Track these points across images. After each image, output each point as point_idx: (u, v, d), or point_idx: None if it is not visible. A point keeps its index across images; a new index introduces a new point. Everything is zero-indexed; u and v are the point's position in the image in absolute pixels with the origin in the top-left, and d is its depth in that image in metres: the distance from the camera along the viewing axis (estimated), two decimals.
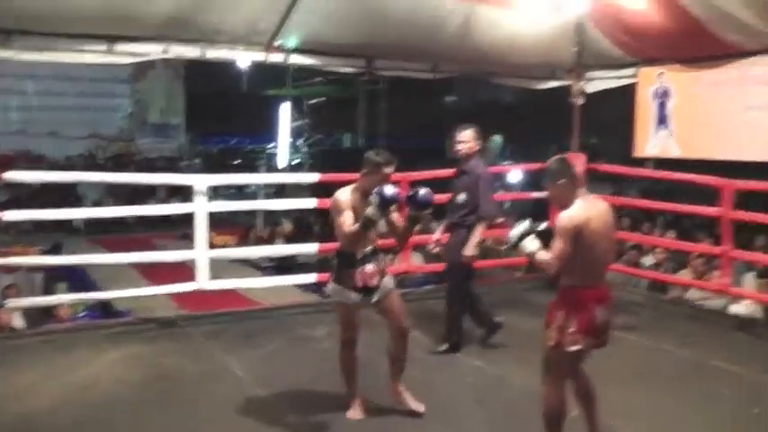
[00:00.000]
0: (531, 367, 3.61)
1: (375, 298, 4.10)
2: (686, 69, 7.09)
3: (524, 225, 3.55)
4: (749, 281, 7.28)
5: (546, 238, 3.50)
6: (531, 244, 3.50)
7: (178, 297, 6.84)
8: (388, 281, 4.19)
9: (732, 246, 6.48)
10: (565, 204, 3.48)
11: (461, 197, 5.46)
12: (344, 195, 4.03)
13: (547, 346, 3.50)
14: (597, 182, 8.55)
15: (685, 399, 4.64)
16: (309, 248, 7.24)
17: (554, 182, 3.54)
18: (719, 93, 6.79)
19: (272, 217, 13.06)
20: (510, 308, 6.80)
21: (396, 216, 4.17)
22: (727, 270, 6.53)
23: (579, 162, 7.51)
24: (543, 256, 3.46)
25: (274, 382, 4.74)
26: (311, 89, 15.60)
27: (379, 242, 4.20)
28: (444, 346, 5.47)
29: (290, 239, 11.25)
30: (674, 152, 7.34)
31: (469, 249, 5.36)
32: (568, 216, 3.40)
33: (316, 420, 4.17)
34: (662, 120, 7.40)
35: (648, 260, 8.63)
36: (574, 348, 3.42)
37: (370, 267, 4.05)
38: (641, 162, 8.85)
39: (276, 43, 6.66)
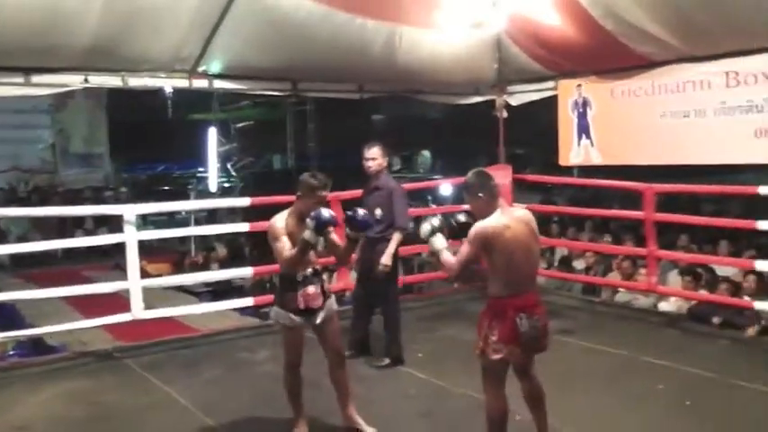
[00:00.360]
0: (474, 377, 3.69)
1: (318, 319, 4.09)
2: (602, 81, 7.38)
3: (435, 221, 3.63)
4: (674, 278, 7.58)
5: (466, 230, 3.55)
6: (439, 242, 3.59)
7: (113, 329, 6.67)
8: (331, 303, 4.19)
9: (656, 246, 6.77)
10: (484, 216, 3.54)
11: (378, 212, 5.57)
12: (280, 221, 4.02)
13: (475, 355, 3.60)
14: (526, 191, 8.81)
15: (622, 396, 4.82)
16: (244, 272, 7.20)
17: (473, 195, 3.61)
18: (634, 102, 7.10)
19: (206, 242, 12.89)
20: (450, 319, 6.94)
21: (334, 237, 4.15)
22: (653, 269, 6.81)
23: (506, 173, 7.73)
24: (446, 256, 3.56)
25: (219, 409, 4.69)
26: (238, 113, 15.54)
27: (319, 262, 4.21)
28: (386, 361, 5.54)
29: (224, 264, 11.11)
30: (596, 160, 7.61)
31: (387, 259, 5.48)
32: (482, 226, 3.48)
33: None
34: (583, 129, 7.66)
35: (580, 264, 8.89)
36: (496, 357, 3.51)
37: (311, 289, 4.04)
38: (568, 171, 9.14)
39: (200, 69, 6.66)
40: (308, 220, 3.85)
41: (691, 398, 4.68)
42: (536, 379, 3.72)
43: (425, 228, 3.63)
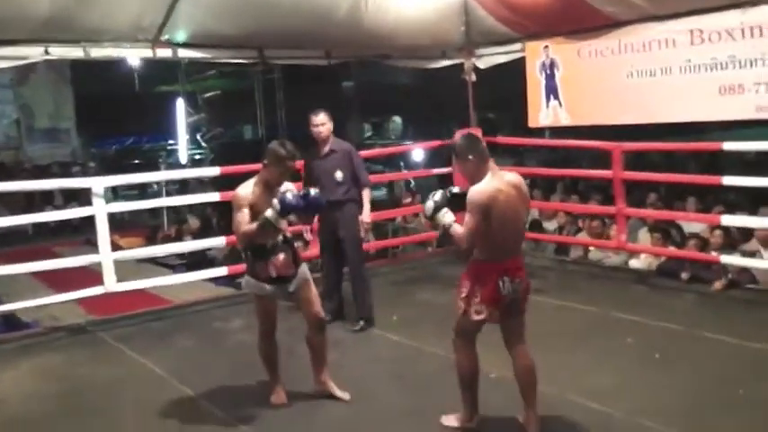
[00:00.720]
0: (447, 339, 3.73)
1: (291, 288, 4.08)
2: (569, 41, 7.38)
3: (438, 196, 3.60)
4: (644, 236, 7.69)
5: (461, 201, 3.55)
6: (446, 217, 3.57)
7: (86, 303, 6.61)
8: (304, 270, 4.16)
9: (625, 204, 6.85)
10: (475, 179, 3.52)
11: (339, 174, 5.62)
12: (245, 190, 3.93)
13: (456, 314, 3.63)
14: (498, 155, 8.84)
15: (594, 350, 4.92)
16: (217, 242, 7.17)
17: (463, 159, 3.57)
18: (601, 62, 7.11)
19: (178, 216, 12.79)
20: (424, 283, 7.01)
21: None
22: (622, 227, 6.90)
23: (482, 140, 7.74)
24: (456, 229, 3.53)
25: (195, 378, 4.69)
26: (205, 83, 15.34)
27: (289, 230, 4.18)
28: (361, 323, 5.60)
29: (197, 236, 11.04)
30: (565, 121, 7.65)
31: (367, 216, 5.70)
32: (478, 191, 3.45)
33: (243, 411, 4.17)
34: (551, 90, 7.68)
35: (551, 225, 8.98)
36: (478, 318, 3.55)
37: (282, 257, 4.00)
38: (540, 134, 9.18)
39: (163, 38, 6.55)
40: (274, 200, 3.80)
41: (659, 350, 4.79)
42: (526, 356, 3.68)
43: (429, 205, 3.60)
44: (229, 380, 4.66)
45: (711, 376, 4.37)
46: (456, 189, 3.66)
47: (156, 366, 5.00)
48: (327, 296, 5.66)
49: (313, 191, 4.02)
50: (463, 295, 3.59)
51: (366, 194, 5.77)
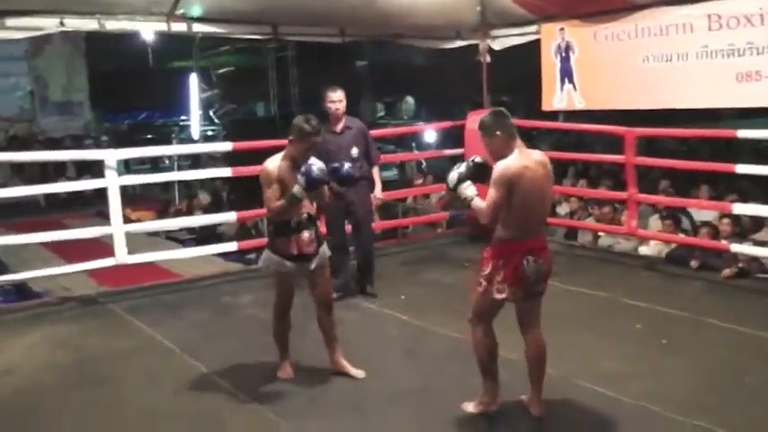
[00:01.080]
0: (455, 318, 3.75)
1: (312, 266, 4.07)
2: (585, 24, 7.31)
3: (462, 169, 3.58)
4: (654, 223, 7.67)
5: (483, 171, 3.54)
6: (469, 190, 3.54)
7: (97, 274, 6.68)
8: (324, 249, 4.17)
9: (637, 190, 6.82)
10: (501, 156, 3.48)
11: (355, 151, 5.71)
12: (272, 164, 3.94)
13: (477, 292, 3.60)
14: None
15: (602, 334, 4.93)
16: (228, 217, 7.19)
17: (490, 135, 3.52)
18: (617, 46, 7.04)
19: (189, 191, 12.85)
20: (433, 263, 7.03)
21: (324, 188, 4.10)
22: (633, 213, 6.88)
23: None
24: (478, 203, 3.51)
25: (204, 351, 4.74)
26: (219, 59, 15.33)
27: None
28: (372, 289, 5.92)
29: (207, 211, 11.10)
30: (579, 104, 7.59)
31: (380, 192, 5.96)
32: (504, 165, 3.42)
33: (251, 385, 4.19)
34: (566, 74, 7.62)
35: (563, 209, 8.96)
36: (499, 297, 3.52)
37: (306, 235, 3.99)
38: (554, 118, 9.13)
39: (178, 12, 6.54)
40: (298, 175, 3.81)
41: (667, 336, 4.79)
42: (539, 341, 3.67)
43: (453, 176, 3.57)
44: (238, 354, 4.69)
45: (718, 363, 4.37)
46: (479, 159, 3.63)
47: (165, 339, 5.05)
48: (335, 272, 5.67)
49: (346, 164, 4.08)
50: (485, 273, 3.55)
51: (377, 171, 5.99)
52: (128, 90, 18.14)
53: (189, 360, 4.63)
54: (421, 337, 5.01)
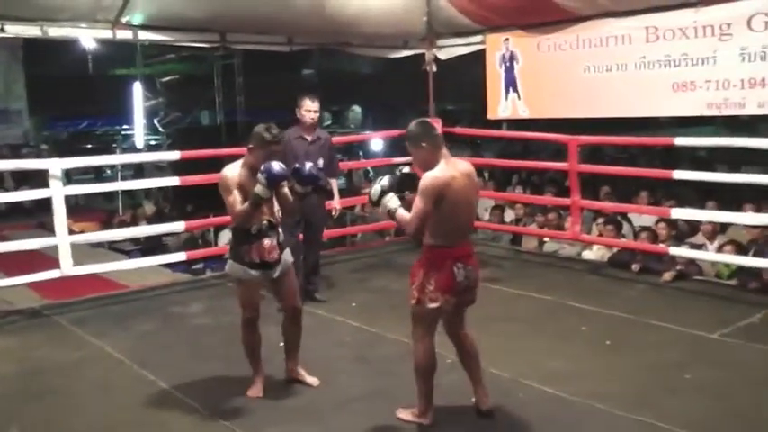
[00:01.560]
0: (405, 323, 3.77)
1: (276, 273, 4.05)
2: (528, 35, 7.49)
3: (384, 182, 3.57)
4: (596, 229, 7.86)
5: (412, 181, 3.55)
6: (392, 202, 3.53)
7: (40, 287, 6.54)
8: (288, 256, 4.14)
9: (580, 196, 7.01)
10: (428, 167, 3.50)
11: (321, 161, 5.73)
12: (232, 171, 3.91)
13: (410, 303, 3.61)
14: (455, 146, 8.96)
15: (548, 337, 5.06)
16: (176, 227, 7.12)
17: (416, 145, 3.55)
18: (560, 56, 7.25)
19: (133, 201, 12.65)
20: (380, 270, 7.09)
21: (286, 190, 4.08)
22: (577, 219, 7.07)
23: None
24: (402, 214, 3.51)
25: (155, 361, 4.69)
26: (163, 67, 15.11)
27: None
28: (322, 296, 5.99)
29: (152, 221, 10.96)
30: (523, 113, 7.76)
31: (338, 203, 6.13)
32: (432, 177, 3.43)
33: (203, 393, 4.18)
34: (510, 83, 7.80)
35: (509, 216, 9.12)
36: (433, 306, 3.53)
37: (267, 242, 3.96)
38: (498, 127, 9.32)
39: (124, 19, 6.46)
40: (258, 174, 3.78)
41: (611, 337, 4.96)
42: (469, 336, 3.74)
43: (376, 189, 3.56)
44: (190, 363, 4.66)
45: (659, 362, 4.53)
46: (407, 168, 3.67)
47: (114, 350, 4.97)
48: (311, 271, 5.96)
49: (308, 165, 4.08)
50: (416, 284, 3.56)
51: (335, 183, 6.16)
52: (68, 98, 17.73)
53: (140, 371, 4.57)
54: (373, 342, 5.06)
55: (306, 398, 4.12)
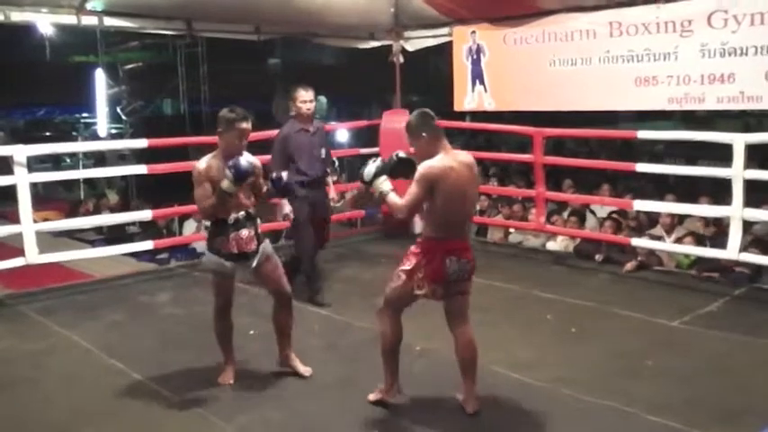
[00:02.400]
0: (374, 313, 3.82)
1: (254, 263, 4.04)
2: (495, 28, 7.58)
3: (377, 164, 3.57)
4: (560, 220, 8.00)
5: (406, 167, 3.55)
6: (384, 185, 3.54)
7: (2, 276, 6.42)
8: (267, 245, 4.13)
9: (545, 188, 7.12)
10: (427, 157, 3.53)
11: (322, 152, 5.68)
12: (203, 164, 3.88)
13: (395, 283, 3.64)
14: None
15: (515, 325, 5.18)
16: (143, 215, 7.06)
17: (416, 136, 3.57)
18: (526, 49, 7.34)
19: (95, 190, 12.47)
20: (350, 260, 7.14)
21: (260, 181, 4.10)
22: (541, 210, 7.18)
23: (402, 118, 7.84)
24: (393, 198, 3.53)
25: (123, 351, 4.67)
26: (126, 54, 14.86)
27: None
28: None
29: (116, 211, 10.81)
30: (489, 106, 7.85)
31: (334, 193, 5.96)
32: (429, 165, 3.46)
33: (172, 382, 4.18)
34: (477, 75, 7.88)
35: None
36: (418, 292, 3.58)
37: (245, 233, 3.96)
38: (461, 120, 9.39)
39: (88, 5, 6.37)
40: (226, 170, 3.75)
41: (576, 325, 5.09)
42: (467, 335, 3.71)
43: (369, 169, 3.55)
44: (158, 352, 4.66)
45: (622, 349, 4.66)
46: (403, 153, 3.64)
47: (82, 339, 4.93)
48: (313, 273, 5.70)
49: (284, 174, 4.10)
50: (407, 267, 3.59)
51: (332, 177, 6.02)
52: (25, 85, 17.33)
53: (109, 360, 4.55)
54: (342, 330, 5.11)
55: (277, 385, 4.15)
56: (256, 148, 4.49)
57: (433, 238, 3.56)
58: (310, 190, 5.61)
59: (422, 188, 3.45)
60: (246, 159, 3.82)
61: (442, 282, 3.57)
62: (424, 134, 3.55)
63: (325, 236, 5.93)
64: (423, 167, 3.48)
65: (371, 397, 3.84)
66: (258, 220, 4.12)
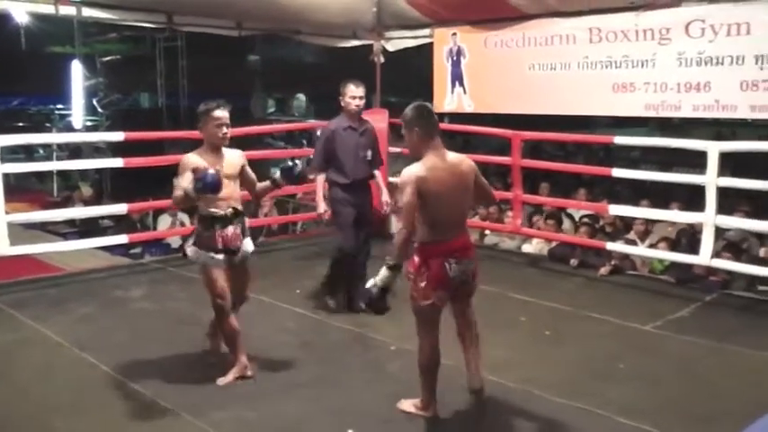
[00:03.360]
0: (348, 312, 3.81)
1: (237, 259, 4.07)
2: (476, 31, 7.62)
3: (379, 282, 3.47)
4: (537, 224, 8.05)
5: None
6: (383, 273, 3.45)
7: None
8: (248, 244, 4.14)
9: (522, 191, 7.16)
10: (415, 152, 3.49)
11: (369, 153, 5.43)
12: (190, 156, 3.90)
13: (410, 299, 3.57)
14: (400, 138, 9.01)
15: (489, 326, 5.06)
16: (119, 209, 6.98)
17: (409, 128, 3.52)
18: (506, 53, 7.39)
19: (67, 182, 12.31)
20: (324, 258, 6.98)
21: (253, 176, 4.14)
22: (518, 213, 7.22)
23: (382, 117, 7.88)
24: (398, 234, 3.48)
25: (96, 344, 4.62)
26: (104, 46, 14.69)
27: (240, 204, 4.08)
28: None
29: (89, 204, 10.69)
30: (468, 108, 7.88)
31: (387, 196, 5.61)
32: (407, 174, 3.41)
33: (144, 376, 4.15)
34: (457, 77, 7.91)
35: None
36: (426, 303, 3.49)
37: (231, 229, 3.97)
38: (440, 120, 9.42)
39: None
40: (194, 177, 3.72)
41: (549, 328, 5.12)
42: (472, 318, 3.73)
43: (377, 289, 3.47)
44: (131, 346, 4.61)
45: (595, 352, 4.70)
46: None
47: (53, 333, 4.87)
48: (359, 276, 5.15)
49: (298, 162, 4.09)
50: (411, 280, 3.52)
51: (381, 175, 5.67)
52: None
53: (80, 354, 4.50)
54: (316, 328, 5.10)
55: (251, 383, 4.12)
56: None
57: (429, 242, 3.48)
58: (351, 193, 5.35)
59: (410, 193, 3.36)
60: (212, 176, 3.68)
61: (446, 286, 3.48)
62: (416, 128, 3.50)
63: (369, 237, 5.56)
64: (404, 174, 3.43)
65: (405, 407, 3.76)
66: (245, 218, 4.13)
